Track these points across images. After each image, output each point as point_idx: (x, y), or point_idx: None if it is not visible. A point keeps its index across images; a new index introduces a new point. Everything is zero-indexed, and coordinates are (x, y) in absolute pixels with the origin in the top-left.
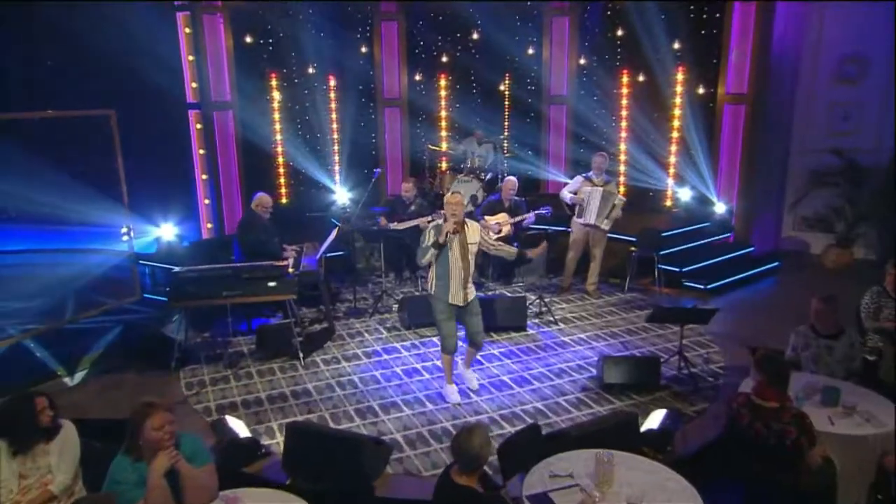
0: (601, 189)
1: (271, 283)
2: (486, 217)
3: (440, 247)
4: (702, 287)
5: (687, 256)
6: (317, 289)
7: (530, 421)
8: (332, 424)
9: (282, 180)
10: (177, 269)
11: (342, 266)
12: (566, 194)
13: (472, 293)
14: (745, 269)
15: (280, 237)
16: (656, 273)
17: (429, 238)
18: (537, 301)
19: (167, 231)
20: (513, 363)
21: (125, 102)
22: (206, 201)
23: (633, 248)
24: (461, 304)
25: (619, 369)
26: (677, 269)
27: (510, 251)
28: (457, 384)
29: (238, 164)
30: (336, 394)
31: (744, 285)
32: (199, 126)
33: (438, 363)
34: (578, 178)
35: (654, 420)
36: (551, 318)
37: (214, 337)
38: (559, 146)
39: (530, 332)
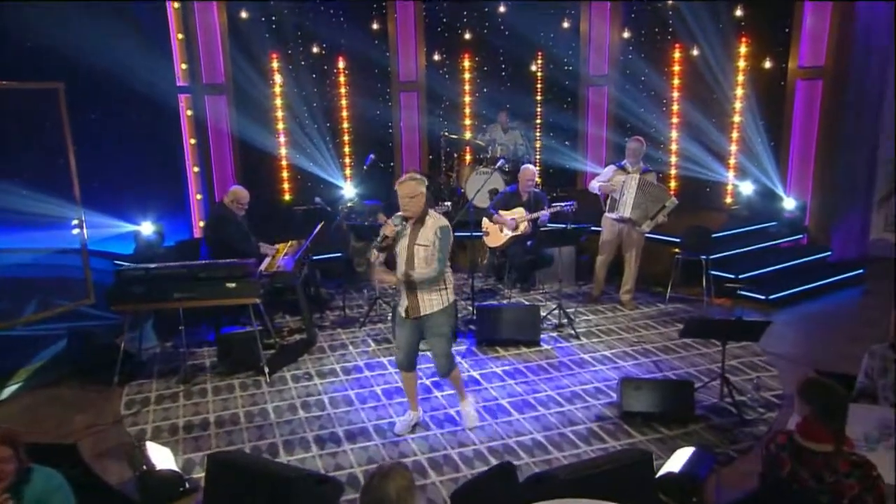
0: (637, 177)
1: (231, 285)
2: (501, 212)
3: (383, 249)
4: (762, 298)
5: (745, 261)
6: (295, 293)
7: (525, 457)
8: (282, 454)
9: (284, 174)
10: (122, 266)
11: (339, 270)
12: (595, 185)
13: (426, 307)
14: (819, 278)
15: (256, 237)
16: (704, 280)
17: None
18: (557, 311)
19: (147, 228)
20: (516, 384)
21: (105, 84)
22: (198, 197)
23: (676, 251)
24: (404, 316)
25: (643, 395)
26: (732, 276)
27: (425, 275)
28: (433, 418)
29: (233, 155)
30: (298, 417)
31: (817, 296)
32: (189, 112)
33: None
34: (610, 168)
35: (678, 461)
36: (572, 332)
37: (177, 348)
38: (599, 134)
39: (544, 347)
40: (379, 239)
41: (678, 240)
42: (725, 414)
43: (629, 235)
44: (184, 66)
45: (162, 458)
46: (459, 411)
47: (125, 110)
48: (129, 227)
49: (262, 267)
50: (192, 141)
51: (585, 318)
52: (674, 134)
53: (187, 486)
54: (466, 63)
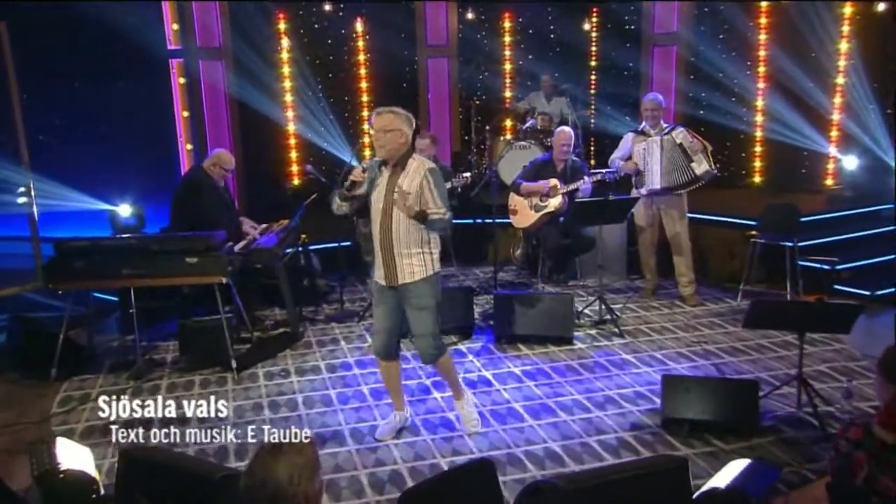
0: (658, 139)
1: (191, 260)
2: (529, 185)
3: (348, 198)
4: (866, 294)
5: (845, 250)
6: (275, 277)
7: (532, 468)
8: (232, 458)
9: (293, 154)
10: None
11: (344, 259)
12: (617, 161)
13: (412, 273)
14: None
15: (236, 212)
16: (788, 272)
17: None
18: (598, 305)
19: (125, 210)
20: (535, 386)
21: (84, 46)
22: None
23: (752, 234)
24: (383, 284)
25: (692, 397)
26: (828, 268)
27: (438, 216)
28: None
29: (231, 130)
30: (262, 417)
31: None
32: (181, 80)
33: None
34: (628, 136)
35: (727, 475)
36: (615, 329)
37: (140, 340)
38: (666, 102)
39: (578, 346)
40: (347, 183)
41: (754, 223)
42: (803, 426)
43: (667, 213)
44: (175, 27)
45: (76, 458)
46: (457, 414)
47: (107, 75)
48: (103, 207)
49: (240, 246)
50: (185, 114)
51: (635, 314)
52: (760, 102)
53: (102, 492)
54: (507, 23)
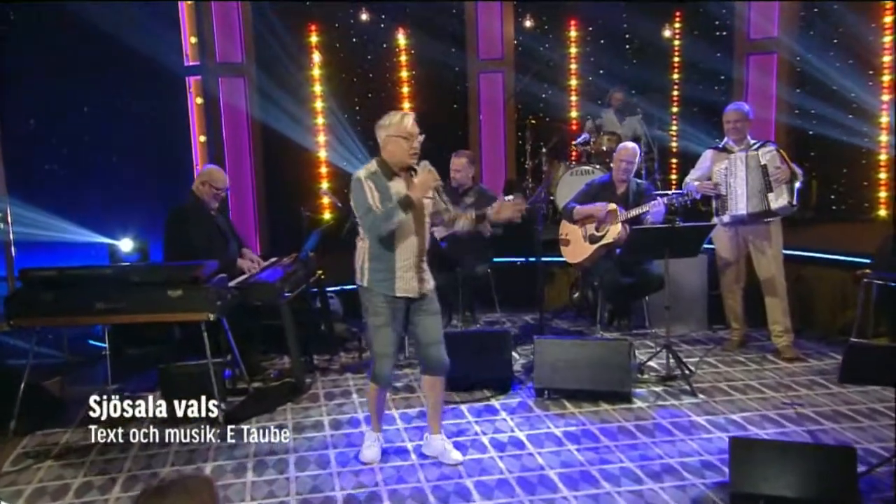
0: (743, 155)
1: (175, 293)
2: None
3: (411, 206)
4: None
5: None
6: (278, 316)
7: None
8: None
9: (324, 184)
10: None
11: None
12: (692, 183)
13: (428, 282)
14: None
15: (238, 241)
16: None
17: (371, 195)
18: (665, 355)
19: (126, 245)
20: (578, 451)
21: (88, 60)
22: None
23: (865, 272)
24: (415, 297)
25: (769, 468)
26: None
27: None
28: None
29: (253, 156)
30: (241, 481)
31: None
32: (199, 100)
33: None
34: (707, 153)
35: None
36: (686, 386)
37: (123, 389)
38: (765, 119)
39: (637, 403)
40: (418, 191)
41: (867, 260)
42: None
43: (757, 248)
44: (193, 40)
45: None
46: (430, 444)
47: (117, 95)
48: (101, 240)
49: (237, 280)
50: (202, 138)
51: (713, 369)
52: (885, 118)
53: None
54: (573, 32)
